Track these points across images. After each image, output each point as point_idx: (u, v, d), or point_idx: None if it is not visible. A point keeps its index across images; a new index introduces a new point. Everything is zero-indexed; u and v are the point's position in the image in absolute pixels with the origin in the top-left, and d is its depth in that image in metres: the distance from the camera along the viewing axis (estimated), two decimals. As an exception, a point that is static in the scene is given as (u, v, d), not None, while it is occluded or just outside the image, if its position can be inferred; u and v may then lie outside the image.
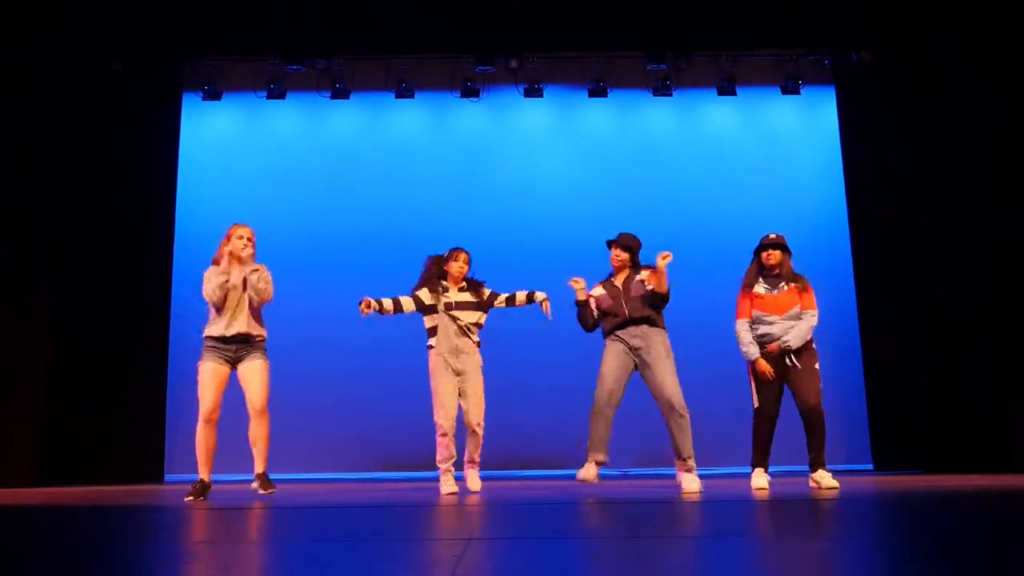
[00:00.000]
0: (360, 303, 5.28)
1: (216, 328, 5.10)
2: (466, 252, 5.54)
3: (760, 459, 5.12)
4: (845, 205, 8.78)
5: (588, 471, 4.87)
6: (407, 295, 5.46)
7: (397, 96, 9.18)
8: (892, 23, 8.36)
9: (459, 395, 5.31)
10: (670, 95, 9.27)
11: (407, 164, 9.39)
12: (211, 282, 5.09)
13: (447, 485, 5.13)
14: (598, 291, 5.32)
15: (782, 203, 9.04)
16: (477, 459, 5.46)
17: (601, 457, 4.91)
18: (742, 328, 5.21)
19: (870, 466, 8.35)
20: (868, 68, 8.55)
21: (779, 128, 9.58)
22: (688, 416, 4.86)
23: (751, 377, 5.19)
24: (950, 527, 2.68)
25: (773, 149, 9.47)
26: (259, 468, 5.13)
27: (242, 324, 5.11)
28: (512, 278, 9.02)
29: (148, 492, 6.19)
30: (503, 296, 5.58)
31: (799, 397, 5.03)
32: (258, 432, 5.10)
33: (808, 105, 9.48)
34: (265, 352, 5.23)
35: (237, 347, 5.12)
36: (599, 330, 5.32)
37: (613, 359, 5.06)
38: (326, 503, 4.39)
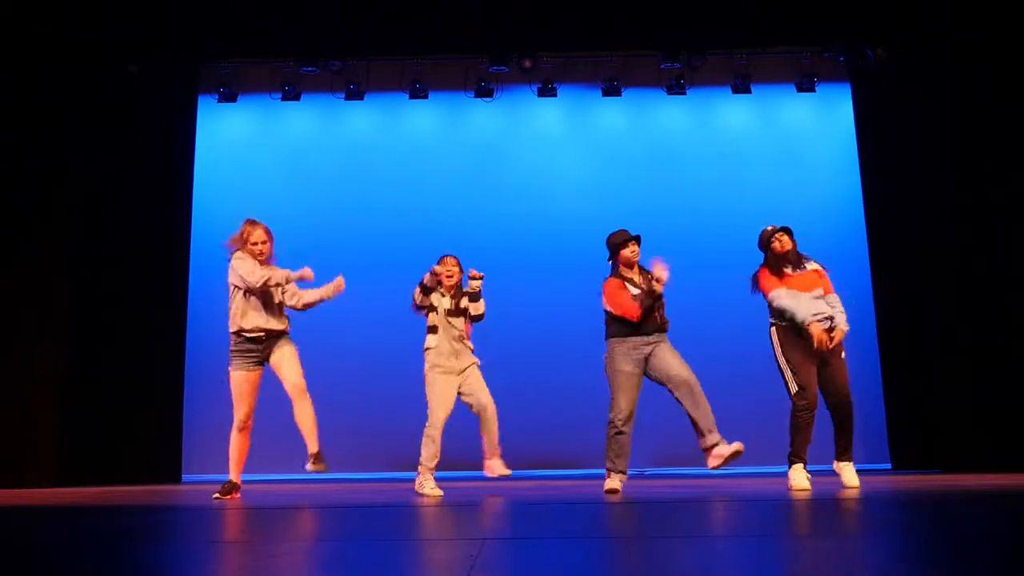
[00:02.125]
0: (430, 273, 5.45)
1: (252, 320, 5.14)
2: (453, 256, 5.59)
3: (800, 452, 4.86)
4: (861, 203, 8.72)
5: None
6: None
7: (411, 97, 9.20)
8: (908, 19, 8.29)
9: (462, 391, 5.29)
10: (684, 94, 9.24)
11: (421, 164, 9.40)
12: (255, 273, 5.10)
13: (429, 486, 5.06)
14: (635, 291, 5.12)
15: (798, 201, 9.00)
16: (496, 446, 5.32)
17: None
18: (784, 294, 4.94)
19: (888, 465, 8.29)
20: (884, 65, 8.49)
21: (794, 126, 9.53)
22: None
23: (784, 362, 4.90)
24: (968, 527, 2.66)
25: (788, 147, 9.42)
26: (312, 447, 5.16)
27: (274, 320, 5.22)
28: (526, 277, 9.07)
29: (166, 492, 6.22)
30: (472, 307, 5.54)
31: (834, 386, 4.85)
32: (304, 413, 5.14)
33: (823, 102, 9.43)
34: (290, 339, 5.36)
35: (265, 344, 5.19)
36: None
37: (632, 366, 5.02)
38: (340, 503, 4.40)
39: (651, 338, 5.01)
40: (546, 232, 9.16)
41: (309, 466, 5.13)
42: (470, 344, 5.47)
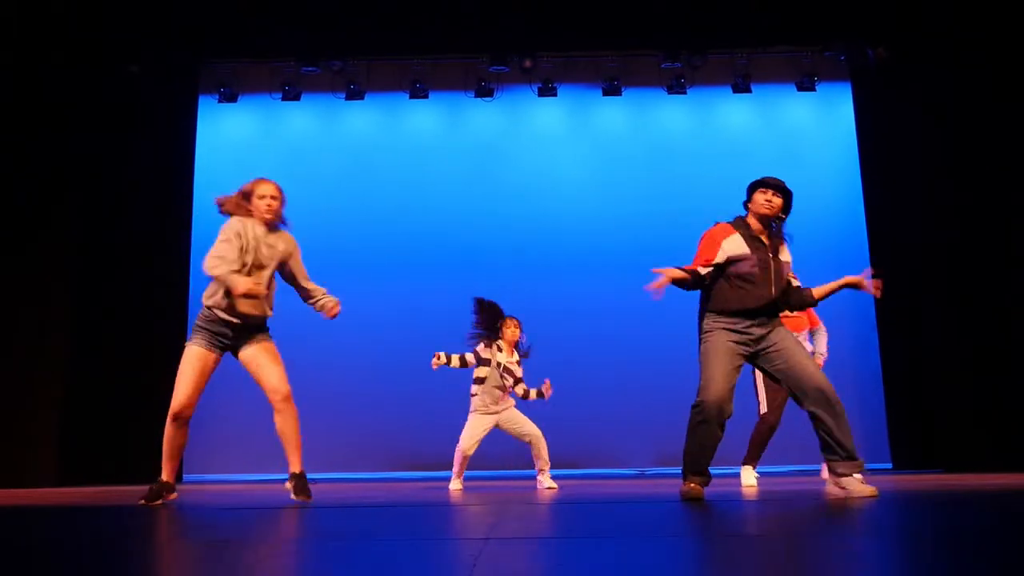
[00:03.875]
0: (433, 357, 5.79)
1: (219, 299, 4.25)
2: (517, 319, 6.02)
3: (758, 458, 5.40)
4: (862, 202, 8.72)
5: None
6: (469, 352, 5.91)
7: (411, 96, 9.20)
8: (908, 19, 8.29)
9: (509, 429, 5.88)
10: (685, 93, 9.24)
11: (422, 164, 9.40)
12: (221, 265, 4.13)
13: (454, 482, 5.84)
14: (730, 246, 4.10)
15: (798, 200, 8.80)
16: (546, 464, 5.83)
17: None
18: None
19: (889, 465, 8.29)
20: (884, 64, 8.49)
21: (795, 125, 9.53)
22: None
23: (761, 382, 5.28)
24: (970, 527, 2.66)
25: (789, 146, 9.42)
26: (295, 466, 4.38)
27: (260, 306, 4.34)
28: (527, 277, 9.07)
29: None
30: (521, 387, 6.01)
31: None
32: (288, 424, 4.36)
33: (824, 102, 9.42)
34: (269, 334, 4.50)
35: (239, 332, 4.34)
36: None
37: (731, 346, 4.06)
38: (341, 502, 4.40)
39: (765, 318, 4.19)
40: (547, 232, 9.16)
41: (292, 495, 4.33)
42: (511, 398, 5.99)
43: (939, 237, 7.96)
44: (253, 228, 4.33)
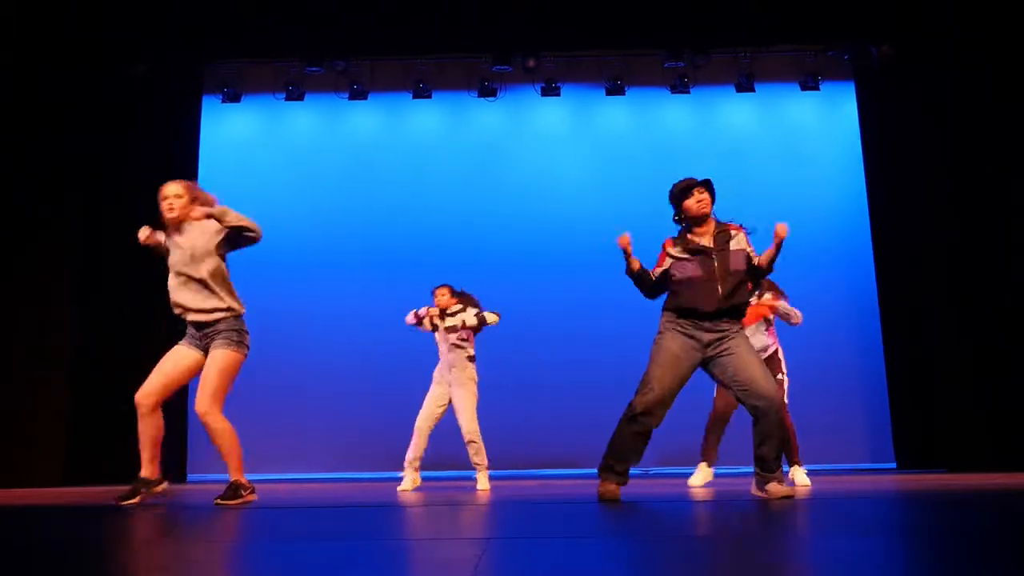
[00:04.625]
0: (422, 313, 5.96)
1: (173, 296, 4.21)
2: (445, 286, 6.00)
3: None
4: (866, 201, 8.70)
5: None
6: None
7: (415, 96, 9.20)
8: (912, 17, 8.27)
9: (452, 405, 5.80)
10: (688, 92, 9.22)
11: (425, 164, 9.40)
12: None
13: (405, 481, 5.72)
14: (675, 252, 4.20)
15: (802, 200, 8.98)
16: (480, 463, 5.75)
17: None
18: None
19: (893, 464, 8.28)
20: (888, 63, 8.47)
21: (798, 124, 9.52)
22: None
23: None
24: (973, 526, 2.65)
25: (793, 146, 9.40)
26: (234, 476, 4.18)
27: (191, 298, 4.17)
28: (529, 276, 9.06)
29: (171, 492, 6.22)
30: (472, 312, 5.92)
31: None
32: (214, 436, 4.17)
33: (828, 101, 9.41)
34: (233, 334, 4.19)
35: (201, 330, 4.21)
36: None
37: (678, 350, 4.08)
38: (341, 503, 4.40)
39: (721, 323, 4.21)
40: (550, 231, 9.15)
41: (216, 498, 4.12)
42: (470, 351, 5.89)
43: (943, 237, 7.94)
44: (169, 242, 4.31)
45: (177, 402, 8.20)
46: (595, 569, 1.84)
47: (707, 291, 4.03)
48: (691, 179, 4.33)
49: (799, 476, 5.47)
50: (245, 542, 2.60)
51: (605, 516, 3.23)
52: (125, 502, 4.19)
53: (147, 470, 4.27)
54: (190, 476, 8.31)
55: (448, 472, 8.11)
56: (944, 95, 8.07)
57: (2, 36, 7.69)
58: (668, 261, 4.18)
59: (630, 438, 4.03)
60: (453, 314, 5.84)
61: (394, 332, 8.77)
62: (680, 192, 4.30)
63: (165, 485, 4.37)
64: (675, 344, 4.05)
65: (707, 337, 4.04)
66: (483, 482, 5.70)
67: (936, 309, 7.94)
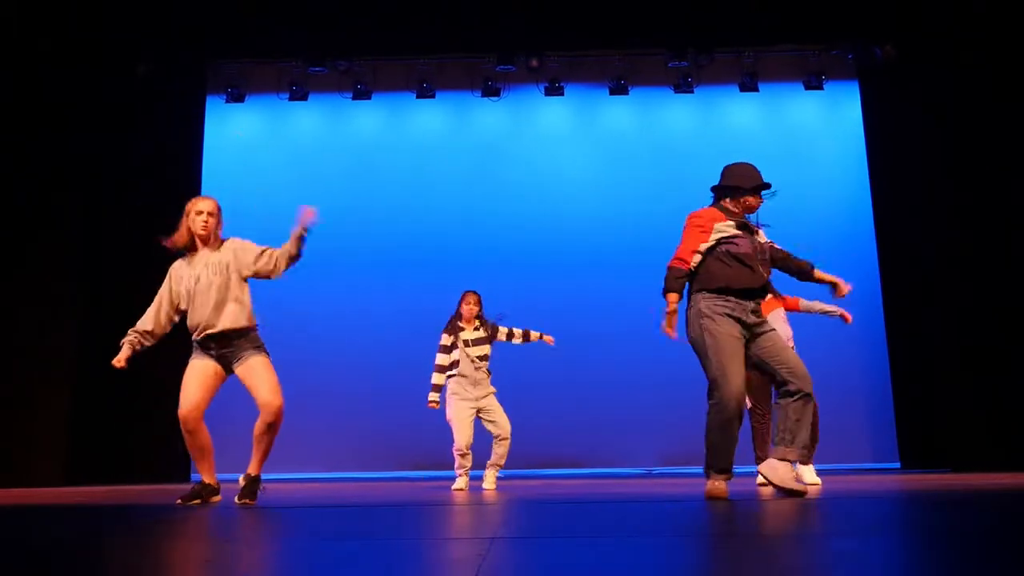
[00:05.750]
0: (428, 403, 5.81)
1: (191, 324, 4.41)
2: (475, 294, 5.97)
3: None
4: (870, 201, 8.69)
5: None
6: (440, 354, 5.88)
7: (418, 96, 9.21)
8: (916, 17, 8.26)
9: (482, 417, 5.78)
10: (691, 92, 9.22)
11: (428, 164, 9.41)
12: (143, 318, 4.61)
13: (458, 482, 5.70)
14: (725, 228, 4.11)
15: (806, 199, 8.96)
16: (500, 463, 5.81)
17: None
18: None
19: (897, 464, 8.27)
20: (892, 63, 8.46)
21: (802, 124, 9.51)
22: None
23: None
24: (977, 526, 2.64)
25: (796, 145, 9.39)
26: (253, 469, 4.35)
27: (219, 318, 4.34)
28: (532, 276, 9.06)
29: (175, 491, 6.23)
30: (505, 330, 6.00)
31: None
32: (265, 431, 4.27)
33: (831, 100, 9.40)
34: (259, 343, 4.41)
35: (221, 344, 4.37)
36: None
37: (737, 333, 3.96)
38: (345, 502, 4.40)
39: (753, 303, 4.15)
40: (553, 231, 9.15)
41: (236, 497, 4.24)
42: (487, 371, 5.88)
43: (947, 236, 7.92)
44: (187, 264, 4.56)
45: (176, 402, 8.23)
46: (598, 569, 1.83)
47: (755, 268, 4.00)
48: (764, 181, 4.26)
49: (808, 474, 5.44)
50: (245, 542, 2.60)
51: (608, 516, 3.22)
52: (188, 503, 4.27)
53: (209, 478, 4.40)
54: (194, 476, 8.31)
55: (450, 472, 8.09)
56: (944, 95, 8.06)
57: (2, 36, 7.70)
58: (715, 237, 4.05)
59: (726, 432, 3.92)
60: (478, 341, 5.83)
61: (396, 332, 8.80)
62: (752, 184, 4.23)
63: (219, 497, 4.45)
64: (732, 328, 3.95)
65: (750, 319, 3.99)
66: (489, 481, 5.74)
67: (941, 308, 7.93)
